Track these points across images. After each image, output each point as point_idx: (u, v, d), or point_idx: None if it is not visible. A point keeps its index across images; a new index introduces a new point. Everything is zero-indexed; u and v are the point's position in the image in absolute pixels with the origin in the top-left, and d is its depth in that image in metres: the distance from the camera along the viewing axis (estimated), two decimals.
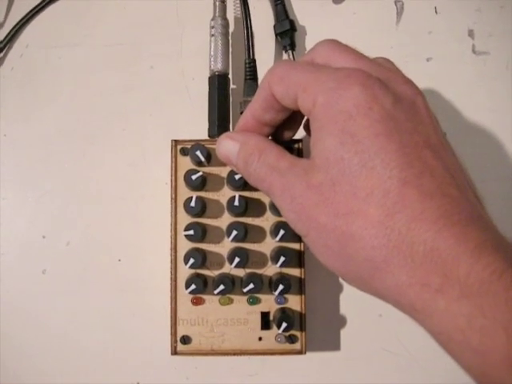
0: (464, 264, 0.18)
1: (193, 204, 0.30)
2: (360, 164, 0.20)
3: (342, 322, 0.34)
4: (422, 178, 0.20)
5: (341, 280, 0.34)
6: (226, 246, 0.31)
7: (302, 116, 0.26)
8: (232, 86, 0.35)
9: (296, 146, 0.31)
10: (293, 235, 0.30)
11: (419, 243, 0.19)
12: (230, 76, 0.34)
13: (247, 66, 0.34)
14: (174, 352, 0.31)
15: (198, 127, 0.33)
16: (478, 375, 0.18)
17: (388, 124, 0.20)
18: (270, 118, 0.25)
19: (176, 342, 0.31)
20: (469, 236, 0.18)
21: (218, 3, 0.33)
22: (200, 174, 0.30)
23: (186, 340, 0.31)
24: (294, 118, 0.26)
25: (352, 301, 0.35)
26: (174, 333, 0.31)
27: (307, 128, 0.26)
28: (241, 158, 0.25)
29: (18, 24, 0.36)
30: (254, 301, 0.31)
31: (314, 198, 0.21)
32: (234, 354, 0.31)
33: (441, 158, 0.21)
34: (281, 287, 0.30)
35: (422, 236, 0.19)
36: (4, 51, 0.36)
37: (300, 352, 0.31)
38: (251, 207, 0.31)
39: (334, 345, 0.34)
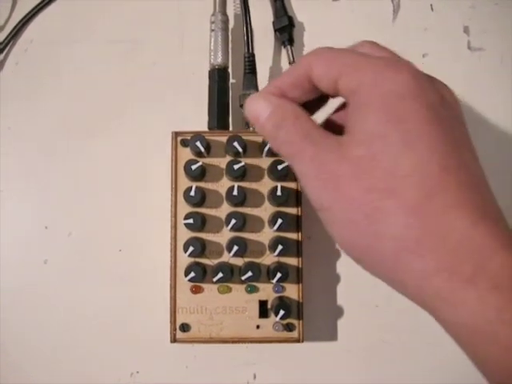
0: (498, 256, 0.18)
1: (192, 193, 0.30)
2: (403, 143, 0.20)
3: (340, 312, 0.35)
4: (460, 171, 0.20)
5: (338, 271, 0.35)
6: (224, 236, 0.32)
7: (322, 104, 0.26)
8: (232, 81, 0.36)
9: None
10: (290, 224, 0.31)
11: (454, 229, 0.19)
12: (230, 70, 0.35)
13: (246, 60, 0.34)
14: (174, 340, 0.31)
15: (198, 121, 0.34)
16: (502, 370, 0.18)
17: (433, 114, 0.20)
18: (295, 95, 0.24)
19: (175, 329, 0.31)
20: (501, 231, 0.19)
21: None
22: (200, 164, 0.30)
23: (185, 328, 0.31)
24: (315, 103, 0.26)
25: (349, 291, 0.35)
26: (173, 321, 0.31)
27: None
28: (272, 119, 0.24)
29: (22, 20, 0.37)
30: (252, 289, 0.32)
31: (348, 170, 0.21)
32: (233, 342, 0.31)
33: (476, 160, 0.21)
34: (278, 275, 0.30)
35: (457, 223, 0.19)
36: (9, 46, 0.37)
37: (297, 340, 0.31)
38: (250, 197, 0.32)
39: (331, 335, 0.35)
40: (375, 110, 0.21)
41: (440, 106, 0.21)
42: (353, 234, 0.21)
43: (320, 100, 0.25)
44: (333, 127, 0.26)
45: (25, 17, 0.37)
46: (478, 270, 0.18)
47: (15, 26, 0.37)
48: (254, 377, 0.34)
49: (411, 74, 0.21)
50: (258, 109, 0.25)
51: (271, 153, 0.31)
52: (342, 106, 0.25)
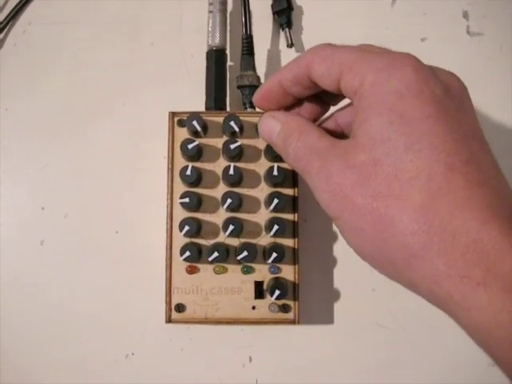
0: (509, 258, 0.17)
1: (188, 172, 0.30)
2: (406, 145, 0.19)
3: (336, 295, 0.35)
4: (468, 166, 0.19)
5: (335, 253, 0.35)
6: (220, 216, 0.32)
7: (327, 100, 0.26)
8: (230, 63, 0.35)
9: None
10: (286, 205, 0.31)
11: (462, 232, 0.18)
12: (228, 53, 0.35)
13: (244, 41, 0.34)
14: (169, 320, 0.31)
15: (196, 102, 0.34)
16: None
17: (438, 108, 0.20)
18: (296, 90, 0.25)
19: (171, 310, 0.31)
20: None
21: None
22: (196, 143, 0.30)
23: (180, 308, 0.31)
24: (319, 99, 0.26)
25: (346, 275, 0.35)
26: (168, 301, 0.31)
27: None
28: (281, 137, 0.25)
29: (20, 1, 0.37)
30: (248, 270, 0.31)
31: (352, 178, 0.20)
32: (228, 323, 0.31)
33: (487, 151, 0.20)
34: (274, 255, 0.30)
35: (465, 225, 0.18)
36: (7, 28, 0.37)
37: (293, 321, 0.31)
38: (246, 178, 0.32)
39: (327, 318, 0.35)
40: (377, 112, 0.20)
41: (445, 97, 0.20)
42: (363, 242, 0.21)
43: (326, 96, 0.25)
44: (343, 124, 0.26)
45: None
46: (487, 274, 0.17)
47: (13, 9, 0.37)
48: (250, 359, 0.34)
49: (413, 68, 0.20)
50: (270, 129, 0.26)
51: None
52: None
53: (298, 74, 0.24)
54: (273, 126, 0.25)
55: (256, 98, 0.27)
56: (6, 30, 0.37)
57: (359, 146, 0.21)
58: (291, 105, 0.27)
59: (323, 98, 0.26)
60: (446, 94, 0.20)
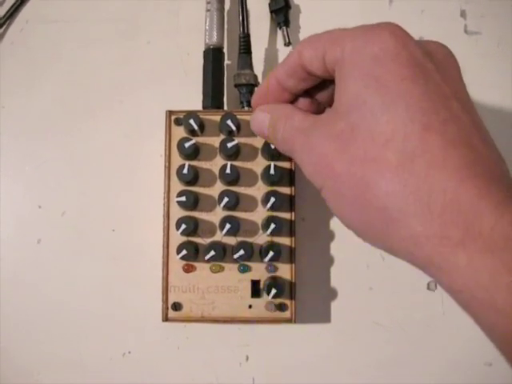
0: (488, 218, 0.17)
1: (185, 171, 0.30)
2: (382, 107, 0.19)
3: (333, 294, 0.35)
4: (446, 126, 0.19)
5: (332, 252, 0.35)
6: (217, 215, 0.32)
7: (322, 99, 0.26)
8: (227, 62, 0.35)
9: None
10: (283, 203, 0.31)
11: (438, 192, 0.18)
12: (225, 52, 0.35)
13: (241, 40, 0.34)
14: (166, 318, 0.31)
15: (193, 101, 0.33)
16: (503, 336, 0.17)
17: (415, 70, 0.19)
18: (291, 84, 0.25)
19: (167, 308, 0.31)
20: (492, 190, 0.17)
21: None
22: (193, 141, 0.30)
23: (177, 307, 0.31)
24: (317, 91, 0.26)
25: (343, 273, 0.35)
26: (165, 299, 0.31)
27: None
28: (270, 126, 0.25)
29: (18, 0, 0.37)
30: (244, 269, 0.31)
31: (332, 146, 0.20)
32: (224, 322, 0.31)
33: (468, 111, 0.20)
34: (271, 254, 0.30)
35: (442, 184, 0.18)
36: (4, 26, 0.37)
37: (290, 320, 0.31)
38: (243, 177, 0.32)
39: (324, 317, 0.35)
40: (354, 77, 0.20)
41: (424, 60, 0.20)
42: (345, 209, 0.21)
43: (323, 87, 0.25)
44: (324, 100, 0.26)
45: None
46: (466, 234, 0.17)
47: (11, 7, 0.37)
48: (247, 358, 0.34)
49: (390, 33, 0.20)
50: (260, 122, 0.26)
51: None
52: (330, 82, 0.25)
53: (292, 64, 0.24)
54: (263, 119, 0.26)
55: (254, 99, 0.27)
56: (3, 28, 0.37)
57: (338, 114, 0.21)
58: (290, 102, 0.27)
59: (318, 97, 0.26)
60: (426, 57, 0.20)
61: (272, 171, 0.30)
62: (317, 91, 0.26)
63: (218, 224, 0.31)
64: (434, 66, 0.20)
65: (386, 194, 0.19)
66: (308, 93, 0.26)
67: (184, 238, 0.31)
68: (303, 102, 0.26)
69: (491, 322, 0.17)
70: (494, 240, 0.17)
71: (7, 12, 0.37)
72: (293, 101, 0.26)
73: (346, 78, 0.21)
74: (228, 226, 0.30)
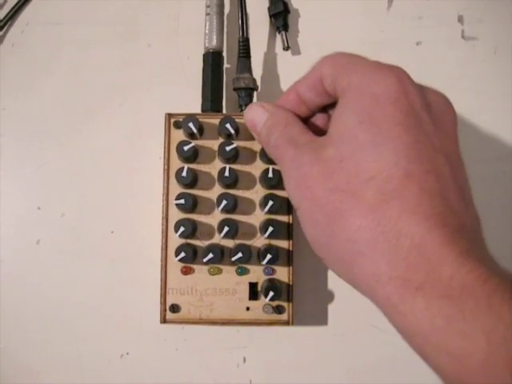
0: (448, 266, 0.18)
1: (184, 174, 0.30)
2: (371, 146, 0.20)
3: (330, 296, 0.35)
4: (427, 176, 0.19)
5: None
6: (216, 217, 0.32)
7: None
8: (226, 65, 0.36)
9: None
10: (281, 207, 0.31)
11: (406, 236, 0.18)
12: (225, 56, 0.35)
13: (241, 44, 0.34)
14: (164, 320, 0.31)
15: (192, 104, 0.34)
16: (452, 379, 0.18)
17: (410, 118, 0.20)
18: (309, 97, 0.25)
19: (165, 310, 0.31)
20: (457, 240, 0.18)
21: None
22: (192, 145, 0.31)
23: (175, 308, 0.31)
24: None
25: None
26: (163, 301, 0.31)
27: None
28: (267, 126, 0.25)
29: (18, 2, 0.37)
30: (242, 271, 0.32)
31: (318, 170, 0.21)
32: (222, 324, 0.31)
33: (452, 167, 0.21)
34: (268, 257, 0.30)
35: (410, 229, 0.18)
36: (5, 28, 0.37)
37: (287, 323, 0.31)
38: (242, 180, 0.32)
39: (321, 319, 0.35)
40: (352, 110, 0.21)
41: (422, 111, 0.21)
42: (316, 233, 0.22)
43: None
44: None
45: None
46: (426, 279, 0.18)
47: (11, 9, 0.37)
48: (244, 360, 0.35)
49: (397, 79, 0.21)
50: (256, 117, 0.26)
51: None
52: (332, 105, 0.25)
53: (313, 78, 0.25)
54: (261, 115, 0.26)
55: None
56: (4, 31, 0.37)
57: (330, 140, 0.22)
58: (304, 118, 0.27)
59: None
60: (424, 108, 0.21)
61: (270, 174, 0.31)
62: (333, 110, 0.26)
63: (216, 226, 0.31)
64: (429, 119, 0.21)
65: (358, 227, 0.19)
66: (326, 110, 0.26)
67: (182, 241, 0.31)
68: (321, 117, 0.26)
69: (442, 365, 0.18)
70: (452, 287, 0.17)
71: (8, 14, 0.37)
72: (309, 117, 0.27)
73: (345, 108, 0.22)
74: (226, 228, 0.30)
